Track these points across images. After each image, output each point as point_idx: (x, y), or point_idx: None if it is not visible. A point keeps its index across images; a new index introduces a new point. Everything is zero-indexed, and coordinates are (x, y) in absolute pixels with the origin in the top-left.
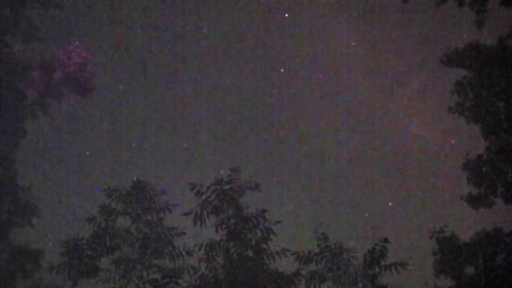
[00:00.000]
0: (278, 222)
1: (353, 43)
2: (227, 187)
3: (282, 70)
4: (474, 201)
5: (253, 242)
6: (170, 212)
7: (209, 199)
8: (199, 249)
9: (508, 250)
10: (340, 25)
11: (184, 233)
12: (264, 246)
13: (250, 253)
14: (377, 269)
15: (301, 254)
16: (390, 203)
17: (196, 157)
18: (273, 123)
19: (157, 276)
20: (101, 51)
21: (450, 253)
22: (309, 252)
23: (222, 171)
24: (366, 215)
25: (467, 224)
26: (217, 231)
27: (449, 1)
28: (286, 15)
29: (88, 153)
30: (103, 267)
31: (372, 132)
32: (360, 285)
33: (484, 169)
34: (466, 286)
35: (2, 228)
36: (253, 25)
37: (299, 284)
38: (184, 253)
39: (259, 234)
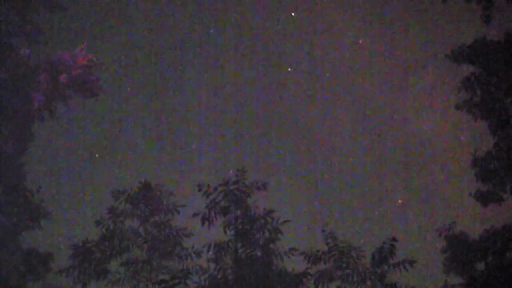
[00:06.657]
0: (286, 221)
1: (361, 41)
2: (234, 187)
3: (289, 70)
4: (483, 198)
5: (261, 242)
6: (178, 213)
7: (217, 200)
8: (208, 249)
9: None
10: (348, 23)
11: (193, 234)
12: (272, 246)
13: (258, 253)
14: (385, 267)
15: (310, 253)
16: (400, 201)
17: (203, 157)
18: (282, 122)
19: (166, 277)
20: (107, 54)
21: (459, 250)
22: (317, 251)
23: (230, 171)
24: (376, 213)
25: (476, 221)
26: (225, 231)
27: None
28: (293, 13)
29: (97, 155)
30: (112, 269)
31: (382, 129)
32: (368, 283)
33: (492, 165)
34: (477, 283)
35: (12, 231)
36: (260, 24)
37: (308, 284)
38: (192, 254)
39: (267, 234)
